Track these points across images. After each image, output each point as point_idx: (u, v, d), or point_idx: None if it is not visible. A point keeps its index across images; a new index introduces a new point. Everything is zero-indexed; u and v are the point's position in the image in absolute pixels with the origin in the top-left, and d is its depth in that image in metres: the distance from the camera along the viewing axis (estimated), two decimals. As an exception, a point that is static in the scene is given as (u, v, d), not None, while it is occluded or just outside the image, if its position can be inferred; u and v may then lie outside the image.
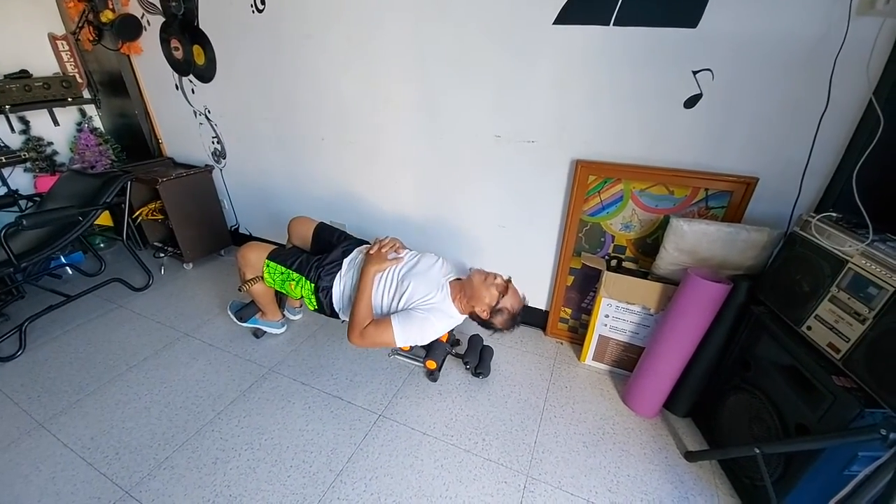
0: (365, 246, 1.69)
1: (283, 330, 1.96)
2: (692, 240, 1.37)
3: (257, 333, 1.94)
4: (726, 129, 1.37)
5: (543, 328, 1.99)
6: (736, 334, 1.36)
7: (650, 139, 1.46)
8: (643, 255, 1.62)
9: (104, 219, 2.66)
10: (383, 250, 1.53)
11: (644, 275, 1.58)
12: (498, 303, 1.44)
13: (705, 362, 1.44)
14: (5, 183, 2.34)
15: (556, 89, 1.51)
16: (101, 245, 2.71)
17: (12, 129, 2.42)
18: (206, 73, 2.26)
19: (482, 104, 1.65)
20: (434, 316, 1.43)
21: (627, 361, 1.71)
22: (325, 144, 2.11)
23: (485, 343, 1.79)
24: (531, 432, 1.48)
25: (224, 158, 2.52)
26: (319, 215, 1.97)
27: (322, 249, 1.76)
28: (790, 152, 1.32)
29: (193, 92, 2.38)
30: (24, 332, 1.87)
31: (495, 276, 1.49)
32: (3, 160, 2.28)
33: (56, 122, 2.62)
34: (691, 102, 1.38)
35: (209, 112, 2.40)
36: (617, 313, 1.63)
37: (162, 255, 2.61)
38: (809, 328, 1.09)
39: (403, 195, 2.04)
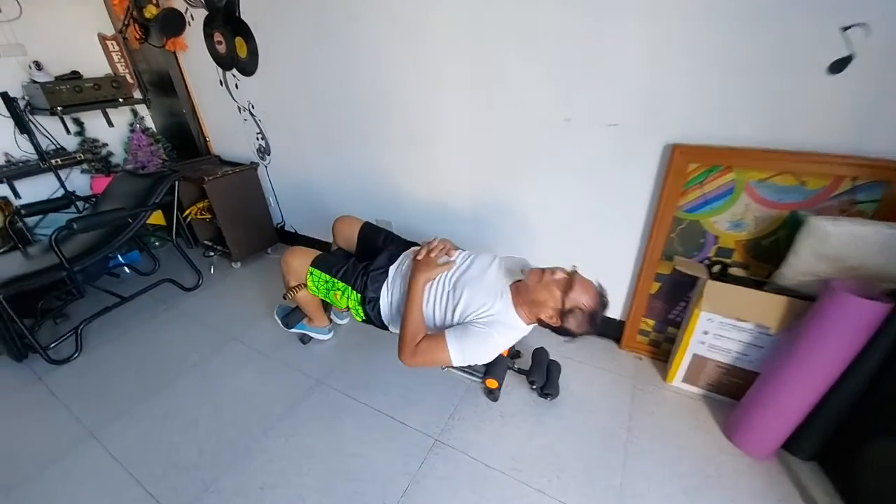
0: (413, 250, 1.51)
1: (329, 336, 1.84)
2: (838, 244, 1.07)
3: (304, 339, 1.83)
4: (885, 101, 1.04)
5: (618, 340, 1.73)
6: (894, 365, 1.06)
7: (776, 116, 1.15)
8: (756, 259, 1.32)
9: (157, 218, 2.69)
10: (432, 255, 1.33)
11: (758, 284, 1.28)
12: (564, 303, 1.17)
13: (846, 397, 1.14)
14: (63, 185, 2.39)
15: (646, 59, 1.23)
16: (156, 244, 2.73)
17: (67, 131, 2.47)
18: (248, 67, 2.16)
19: (551, 82, 1.41)
20: (495, 331, 1.20)
21: (729, 386, 1.43)
22: (372, 137, 1.94)
23: (551, 357, 1.57)
24: (615, 471, 1.26)
25: (268, 155, 2.43)
26: (364, 211, 1.82)
27: (368, 252, 1.61)
28: None
29: (237, 87, 2.30)
30: (80, 335, 1.87)
31: (553, 270, 1.20)
32: (59, 162, 2.32)
33: (110, 123, 2.65)
34: (838, 67, 1.06)
35: (252, 107, 2.31)
36: (720, 330, 1.35)
37: (212, 253, 2.59)
38: None
39: (455, 189, 1.84)
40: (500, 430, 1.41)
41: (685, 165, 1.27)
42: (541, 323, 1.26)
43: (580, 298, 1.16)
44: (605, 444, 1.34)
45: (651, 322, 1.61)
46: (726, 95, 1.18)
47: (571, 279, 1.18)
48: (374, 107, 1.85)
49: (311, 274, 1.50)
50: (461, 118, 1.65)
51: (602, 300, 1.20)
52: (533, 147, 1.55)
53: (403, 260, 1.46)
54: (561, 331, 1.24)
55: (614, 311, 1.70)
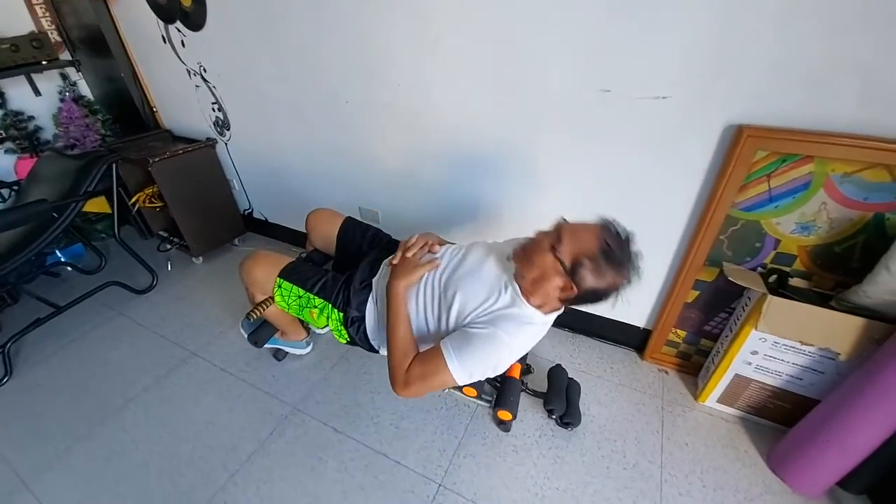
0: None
1: (307, 350, 1.58)
2: (951, 260, 0.84)
3: (278, 355, 1.57)
4: None
5: (640, 350, 1.53)
6: None
7: (887, 91, 0.88)
8: (822, 269, 1.09)
9: (102, 205, 2.31)
10: (409, 254, 1.06)
11: (822, 298, 1.06)
12: (562, 262, 0.86)
13: (929, 437, 0.95)
14: (-22, 169, 1.99)
15: (713, 8, 0.94)
16: (103, 236, 2.36)
17: (-16, 103, 2.04)
18: (195, 18, 1.76)
19: (582, 43, 1.10)
20: (502, 329, 0.91)
21: (774, 411, 1.24)
22: (351, 108, 1.60)
23: (569, 376, 1.35)
24: (652, 522, 1.07)
25: (228, 130, 2.06)
26: (345, 198, 1.52)
27: (351, 257, 1.33)
28: None
29: (184, 45, 1.89)
30: (8, 355, 1.56)
31: (532, 237, 0.94)
32: (-28, 141, 1.92)
33: (37, 92, 2.22)
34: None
35: (204, 71, 1.92)
36: (773, 351, 1.13)
37: (168, 247, 2.25)
38: None
39: (455, 174, 1.55)
40: (514, 468, 1.20)
41: (752, 152, 1.00)
42: (564, 303, 0.95)
43: (576, 245, 0.86)
44: (637, 485, 1.15)
45: (682, 333, 1.40)
46: (814, 60, 0.90)
47: (557, 230, 0.89)
48: (359, 70, 1.49)
49: (280, 287, 1.21)
50: (462, 86, 1.34)
51: (609, 230, 0.88)
52: (554, 125, 1.26)
53: (383, 268, 1.19)
54: (588, 297, 0.89)
55: (639, 319, 1.48)
